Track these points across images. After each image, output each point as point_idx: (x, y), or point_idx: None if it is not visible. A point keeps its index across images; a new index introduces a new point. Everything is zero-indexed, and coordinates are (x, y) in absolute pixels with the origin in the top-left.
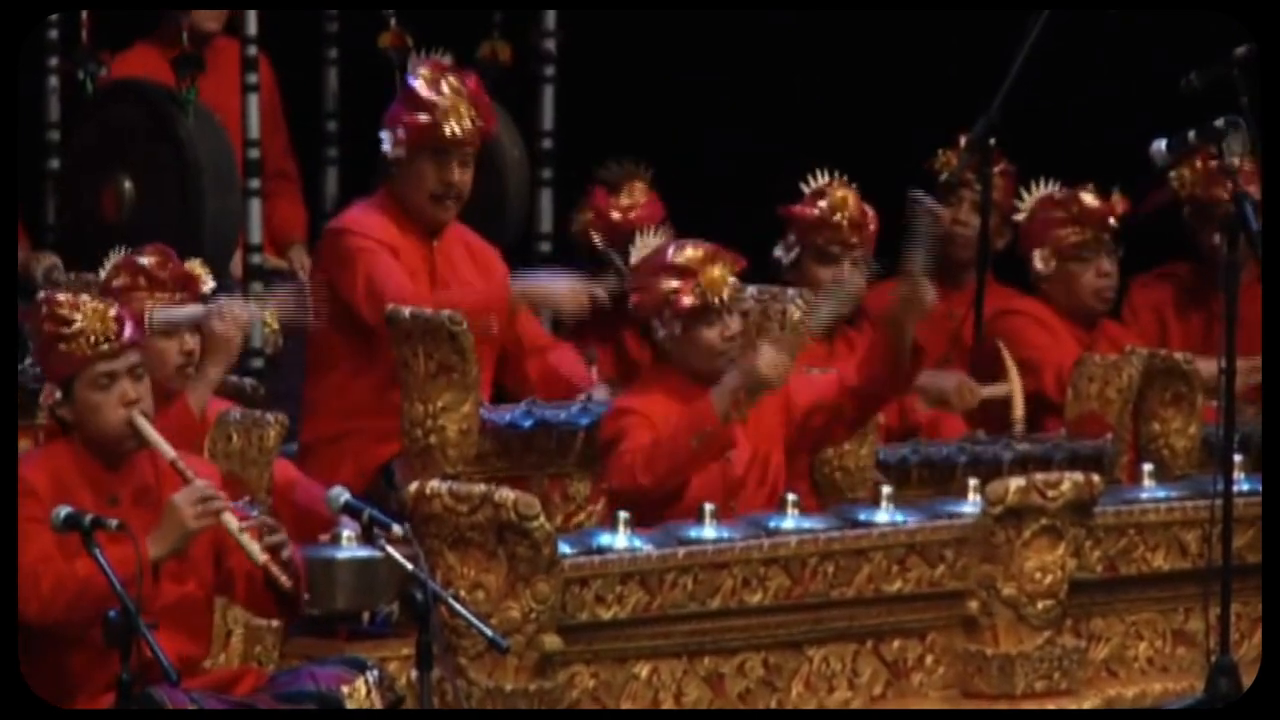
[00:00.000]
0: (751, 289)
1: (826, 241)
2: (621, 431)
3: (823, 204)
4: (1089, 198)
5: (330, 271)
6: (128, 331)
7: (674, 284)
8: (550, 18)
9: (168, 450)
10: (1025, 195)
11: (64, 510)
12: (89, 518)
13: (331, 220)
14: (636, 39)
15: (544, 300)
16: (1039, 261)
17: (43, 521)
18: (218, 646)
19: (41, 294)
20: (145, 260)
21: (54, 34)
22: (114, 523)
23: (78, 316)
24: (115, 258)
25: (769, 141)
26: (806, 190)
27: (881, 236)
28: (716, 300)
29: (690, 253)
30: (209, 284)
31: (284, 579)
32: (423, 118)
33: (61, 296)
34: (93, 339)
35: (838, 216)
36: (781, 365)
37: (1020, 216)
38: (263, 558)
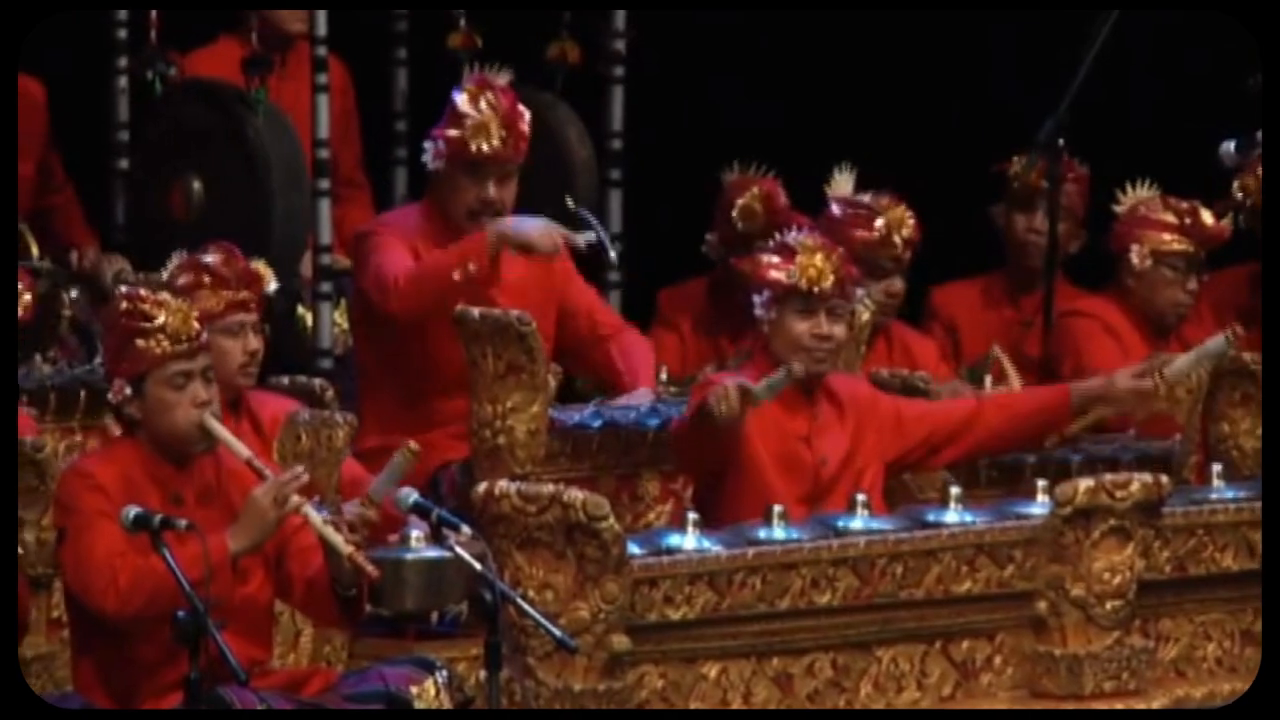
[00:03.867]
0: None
1: (882, 258)
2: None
3: (879, 223)
4: (1207, 215)
5: (356, 276)
6: (205, 334)
7: (774, 259)
8: (619, 18)
9: (242, 450)
10: (1109, 198)
11: (133, 510)
12: (158, 518)
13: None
14: (705, 39)
15: (517, 239)
16: (1135, 256)
17: (111, 516)
18: (287, 647)
19: (123, 288)
20: (209, 259)
21: (123, 34)
22: (183, 522)
23: (159, 313)
24: (179, 257)
25: (835, 143)
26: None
27: (947, 240)
28: (807, 286)
29: (801, 237)
30: (272, 284)
31: (370, 569)
32: (453, 132)
33: (144, 292)
34: (172, 337)
35: (896, 237)
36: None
37: (1120, 208)
38: (348, 549)
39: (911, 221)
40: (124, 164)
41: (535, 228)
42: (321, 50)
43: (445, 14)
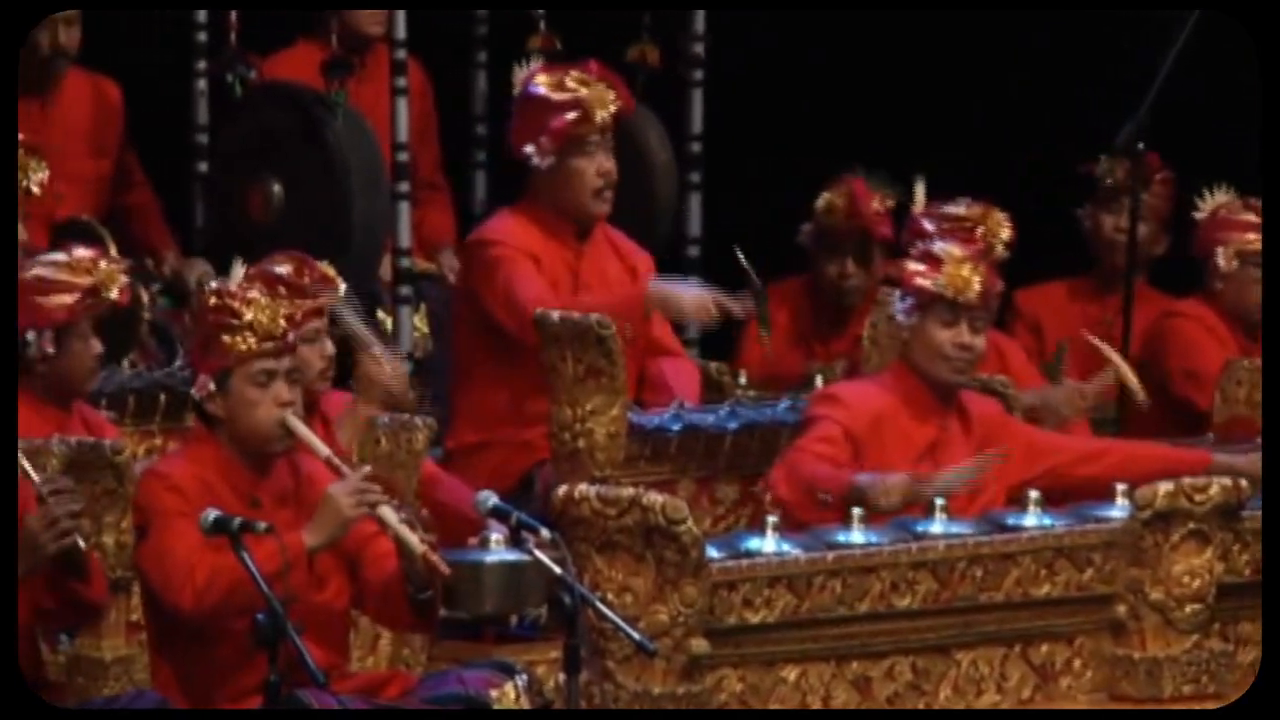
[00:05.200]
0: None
1: None
2: (812, 423)
3: (980, 232)
4: None
5: (471, 282)
6: (292, 335)
7: (919, 266)
8: (699, 20)
9: (322, 449)
10: (1193, 201)
11: (213, 514)
12: (237, 521)
13: (474, 231)
14: (785, 41)
15: (672, 308)
16: (1222, 259)
17: (189, 516)
18: (365, 650)
19: (212, 284)
20: (281, 269)
21: (202, 37)
22: (262, 525)
23: (247, 310)
24: (246, 267)
25: (915, 144)
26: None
27: (1028, 242)
28: (953, 294)
29: (948, 246)
30: (342, 286)
31: (443, 567)
32: (571, 115)
33: (234, 288)
34: (259, 334)
35: (998, 243)
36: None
37: (1200, 214)
38: (421, 548)
39: (1008, 224)
40: (203, 167)
41: (692, 300)
42: (401, 53)
43: (525, 16)
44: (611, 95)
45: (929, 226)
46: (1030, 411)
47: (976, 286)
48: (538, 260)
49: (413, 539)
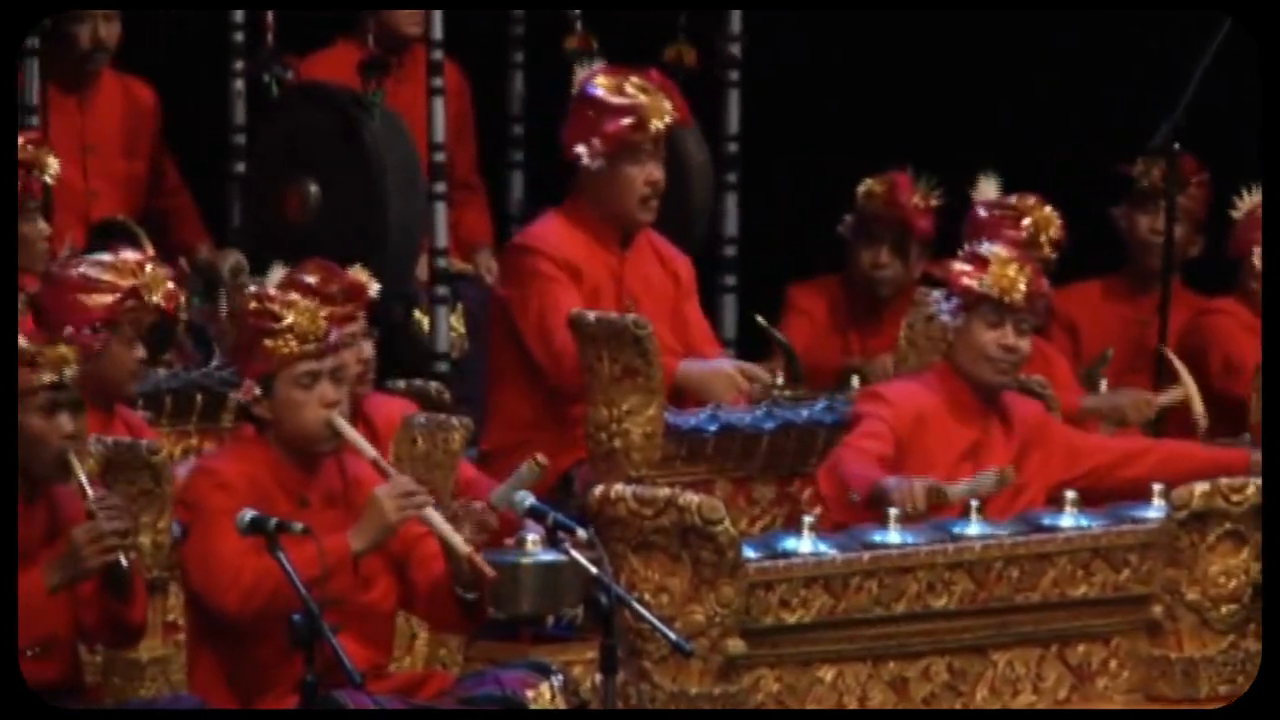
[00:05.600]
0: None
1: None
2: (860, 420)
3: (1027, 223)
4: None
5: (507, 288)
6: (333, 334)
7: (966, 266)
8: (735, 20)
9: (368, 449)
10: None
11: (249, 514)
12: (273, 522)
13: (518, 234)
14: (821, 41)
15: (702, 388)
16: (1257, 260)
17: (236, 515)
18: (402, 650)
19: (252, 288)
20: (309, 278)
21: (239, 37)
22: (299, 526)
23: (289, 313)
24: (278, 275)
25: (951, 144)
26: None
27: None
28: (999, 295)
29: (994, 247)
30: (374, 289)
31: (488, 570)
32: (625, 121)
33: (273, 291)
34: (300, 337)
35: (1043, 237)
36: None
37: (1237, 214)
38: (466, 549)
39: (1059, 222)
40: (239, 167)
41: (723, 381)
42: (437, 54)
43: (561, 17)
44: (668, 105)
45: (981, 213)
46: (1095, 413)
47: (1022, 287)
48: (580, 272)
49: (458, 540)
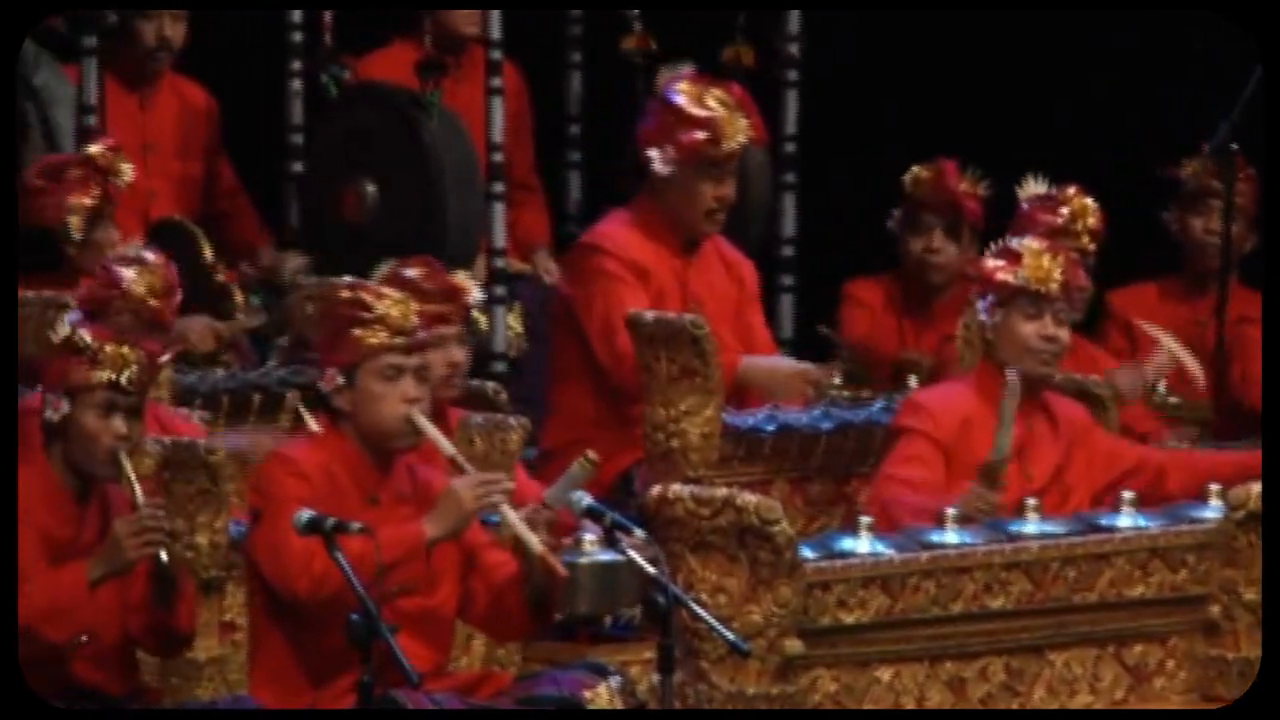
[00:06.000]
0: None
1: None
2: (901, 436)
3: (1064, 210)
4: None
5: (573, 287)
6: (423, 331)
7: (1000, 262)
8: (794, 21)
9: (447, 446)
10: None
11: (305, 514)
12: (331, 522)
13: (586, 233)
14: (879, 41)
15: (765, 387)
16: None
17: (308, 504)
18: (459, 650)
19: (346, 278)
20: (411, 272)
21: (297, 37)
22: (356, 525)
23: (380, 304)
24: (382, 269)
25: (1007, 145)
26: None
27: (1116, 242)
28: (1035, 286)
29: (1027, 240)
30: (476, 295)
31: (560, 569)
32: (700, 135)
33: (367, 282)
34: (390, 328)
35: (1080, 224)
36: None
37: None
38: (540, 548)
39: (1097, 213)
40: (297, 167)
41: (786, 380)
42: (496, 53)
43: (619, 17)
44: (746, 124)
45: (1024, 206)
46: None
47: (1058, 276)
48: (646, 273)
49: (532, 538)
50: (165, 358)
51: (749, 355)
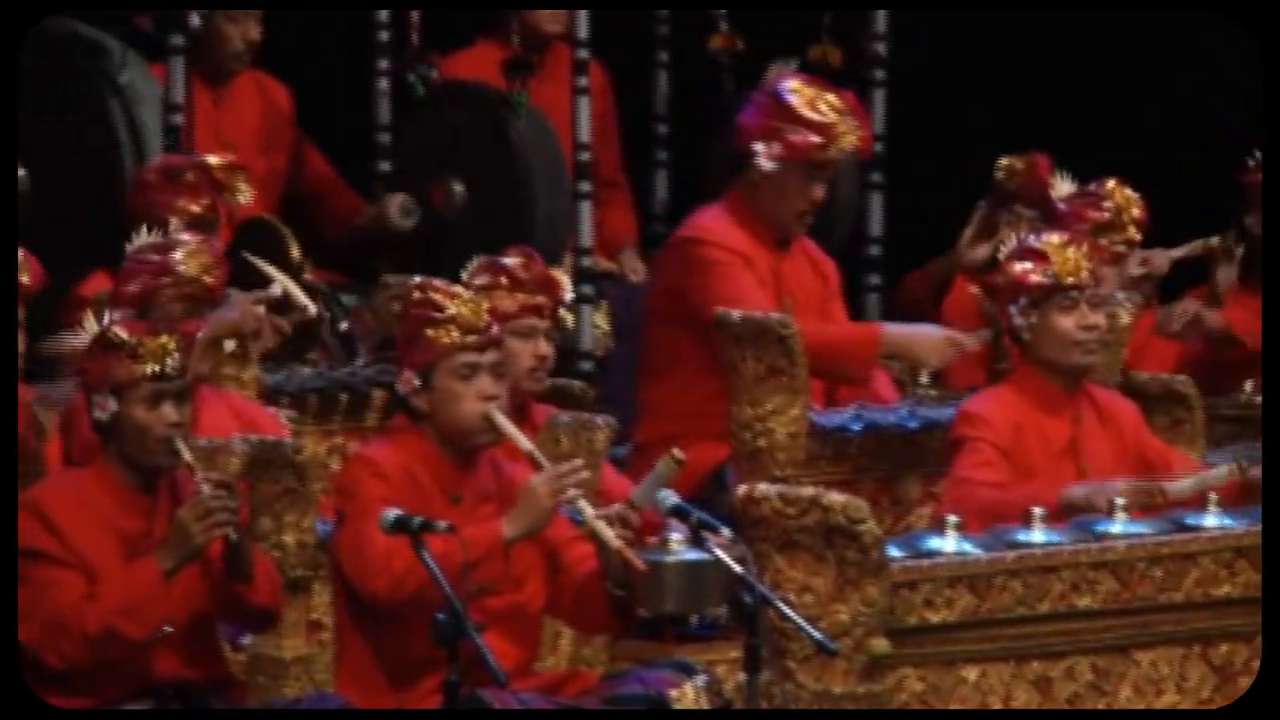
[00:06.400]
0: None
1: (1116, 241)
2: (963, 444)
3: (1108, 205)
4: None
5: (682, 280)
6: (495, 328)
7: (1026, 264)
8: (881, 20)
9: (524, 442)
10: None
11: (392, 513)
12: (417, 520)
13: (683, 228)
14: (966, 41)
15: (908, 352)
16: None
17: (391, 504)
18: (546, 649)
19: (416, 279)
20: (509, 261)
21: (384, 36)
22: (443, 524)
23: (450, 304)
24: (479, 259)
25: (1093, 143)
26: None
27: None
28: (1069, 281)
29: (1046, 237)
30: (569, 292)
31: (638, 563)
32: (813, 138)
33: (437, 282)
34: (462, 328)
35: (1126, 217)
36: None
37: None
38: (617, 543)
39: (1140, 203)
40: (385, 166)
41: (930, 345)
42: (583, 53)
43: (706, 16)
44: (858, 134)
45: (1062, 207)
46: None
47: (1085, 265)
48: (751, 263)
49: (608, 533)
50: (230, 345)
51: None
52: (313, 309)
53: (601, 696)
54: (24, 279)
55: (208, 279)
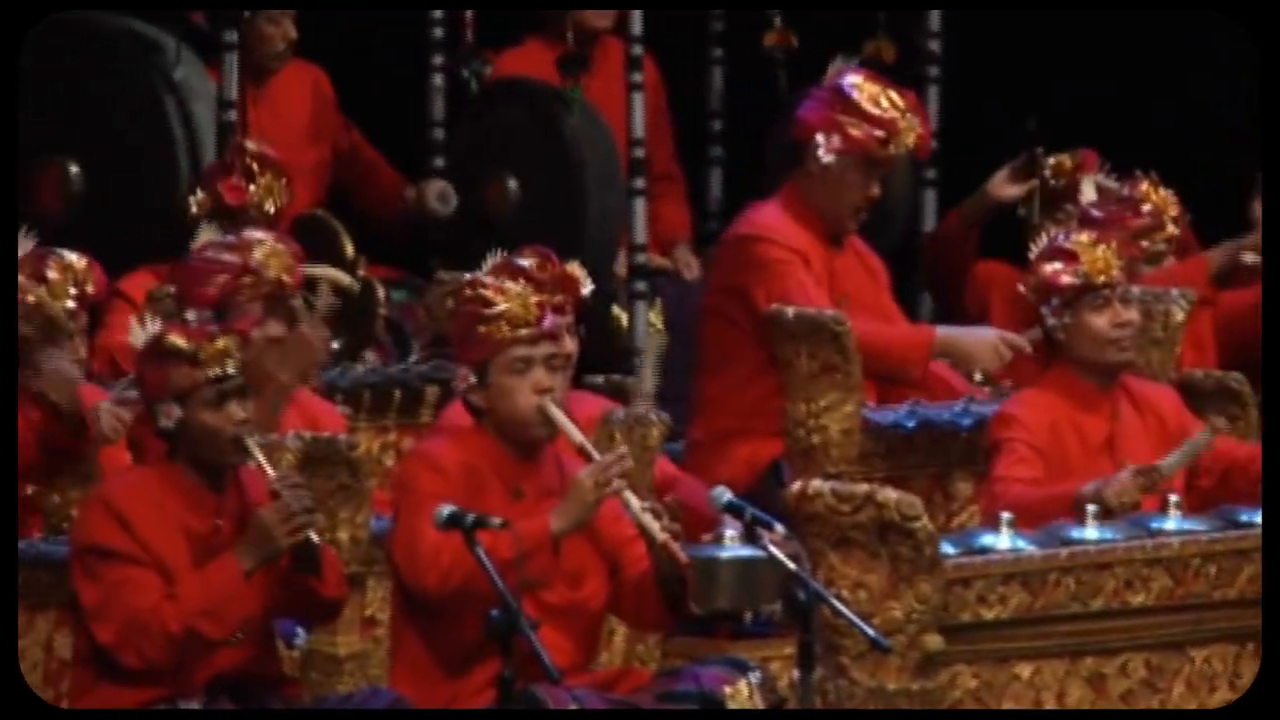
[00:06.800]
0: (1135, 289)
1: (1158, 241)
2: (1000, 446)
3: (1147, 208)
4: None
5: (739, 277)
6: (548, 321)
7: (1057, 265)
8: (935, 17)
9: (576, 435)
10: None
11: (446, 509)
12: (471, 517)
13: (739, 225)
14: (1021, 38)
15: (961, 354)
16: None
17: (447, 499)
18: (600, 645)
19: (467, 276)
20: (525, 261)
21: (438, 33)
22: (497, 521)
23: (500, 300)
24: (493, 258)
25: (1152, 142)
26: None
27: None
28: (1100, 280)
29: (1075, 236)
30: (588, 286)
31: (682, 556)
32: (877, 133)
33: (487, 279)
34: (512, 322)
35: (1166, 218)
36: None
37: None
38: (662, 536)
39: (1175, 200)
40: (439, 163)
41: (983, 346)
42: (637, 49)
43: (760, 13)
44: (918, 132)
45: (1096, 214)
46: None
47: (1115, 263)
48: (808, 260)
49: (654, 526)
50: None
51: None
52: (355, 283)
53: (655, 693)
54: (89, 289)
55: (287, 279)
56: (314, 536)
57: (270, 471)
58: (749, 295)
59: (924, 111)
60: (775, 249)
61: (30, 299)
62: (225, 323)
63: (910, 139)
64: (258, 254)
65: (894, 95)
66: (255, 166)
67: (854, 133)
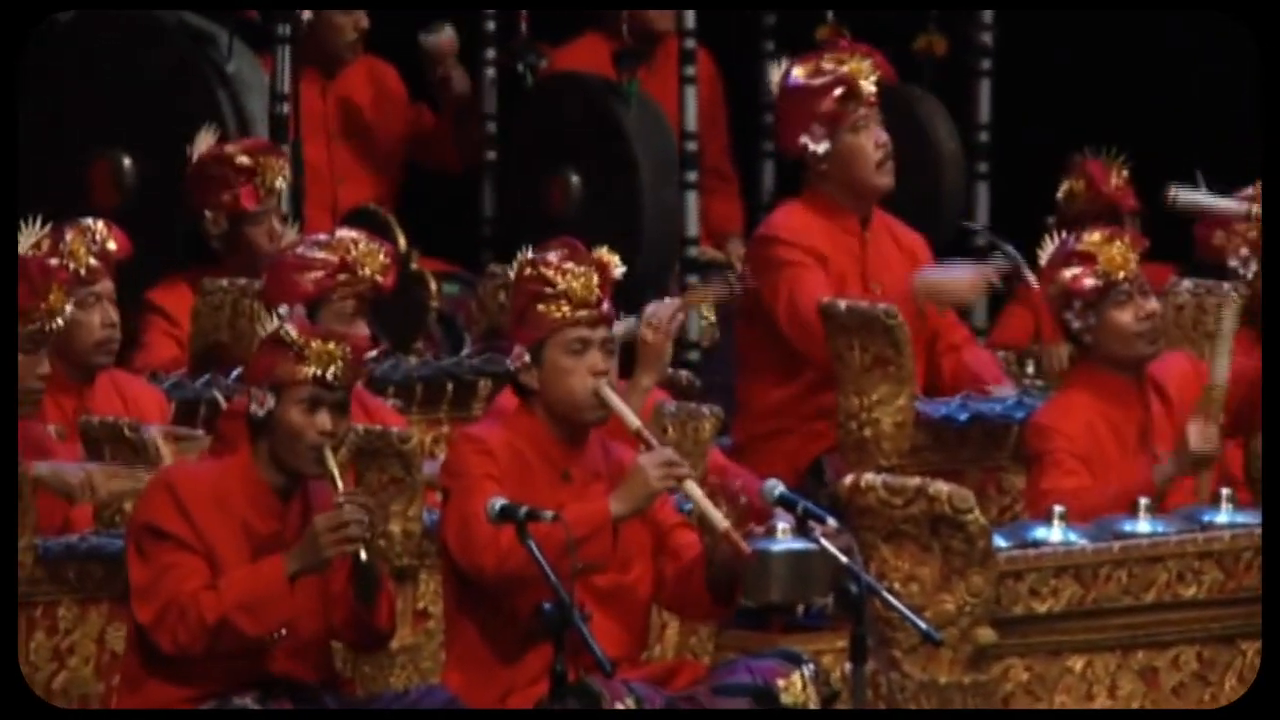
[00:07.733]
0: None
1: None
2: (1042, 459)
3: (1255, 209)
4: None
5: (756, 279)
6: (607, 304)
7: (1075, 270)
8: (987, 12)
9: (633, 419)
10: None
11: (499, 503)
12: (524, 510)
13: (762, 225)
14: (1074, 32)
15: (945, 294)
16: None
17: (498, 481)
18: (652, 639)
19: (529, 253)
20: (552, 256)
21: (491, 26)
22: (549, 514)
23: (561, 279)
24: (522, 255)
25: (1200, 134)
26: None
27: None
28: (1120, 276)
29: (1088, 237)
30: (619, 269)
31: (744, 546)
32: (837, 92)
33: (551, 256)
34: (574, 302)
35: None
36: (1212, 437)
37: None
38: (724, 524)
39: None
40: (492, 156)
41: (964, 283)
42: (690, 43)
43: (813, 8)
44: (869, 64)
45: (1217, 233)
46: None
47: (1131, 257)
48: (825, 258)
49: (717, 515)
50: (372, 354)
51: (933, 334)
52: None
53: (710, 686)
54: (110, 246)
55: (382, 279)
56: (363, 554)
57: (340, 486)
58: (762, 297)
59: (865, 46)
60: (786, 250)
61: (53, 262)
62: (344, 333)
63: (869, 75)
64: (354, 252)
65: (828, 55)
66: (247, 161)
67: (822, 108)
